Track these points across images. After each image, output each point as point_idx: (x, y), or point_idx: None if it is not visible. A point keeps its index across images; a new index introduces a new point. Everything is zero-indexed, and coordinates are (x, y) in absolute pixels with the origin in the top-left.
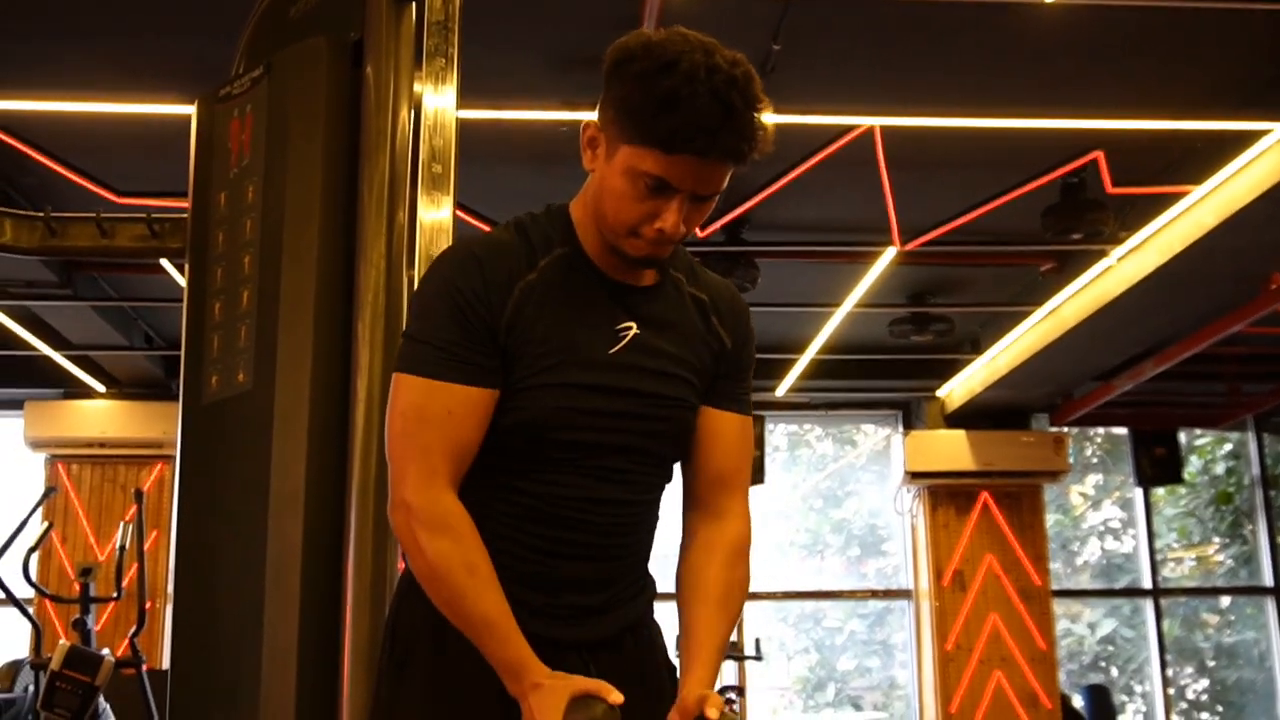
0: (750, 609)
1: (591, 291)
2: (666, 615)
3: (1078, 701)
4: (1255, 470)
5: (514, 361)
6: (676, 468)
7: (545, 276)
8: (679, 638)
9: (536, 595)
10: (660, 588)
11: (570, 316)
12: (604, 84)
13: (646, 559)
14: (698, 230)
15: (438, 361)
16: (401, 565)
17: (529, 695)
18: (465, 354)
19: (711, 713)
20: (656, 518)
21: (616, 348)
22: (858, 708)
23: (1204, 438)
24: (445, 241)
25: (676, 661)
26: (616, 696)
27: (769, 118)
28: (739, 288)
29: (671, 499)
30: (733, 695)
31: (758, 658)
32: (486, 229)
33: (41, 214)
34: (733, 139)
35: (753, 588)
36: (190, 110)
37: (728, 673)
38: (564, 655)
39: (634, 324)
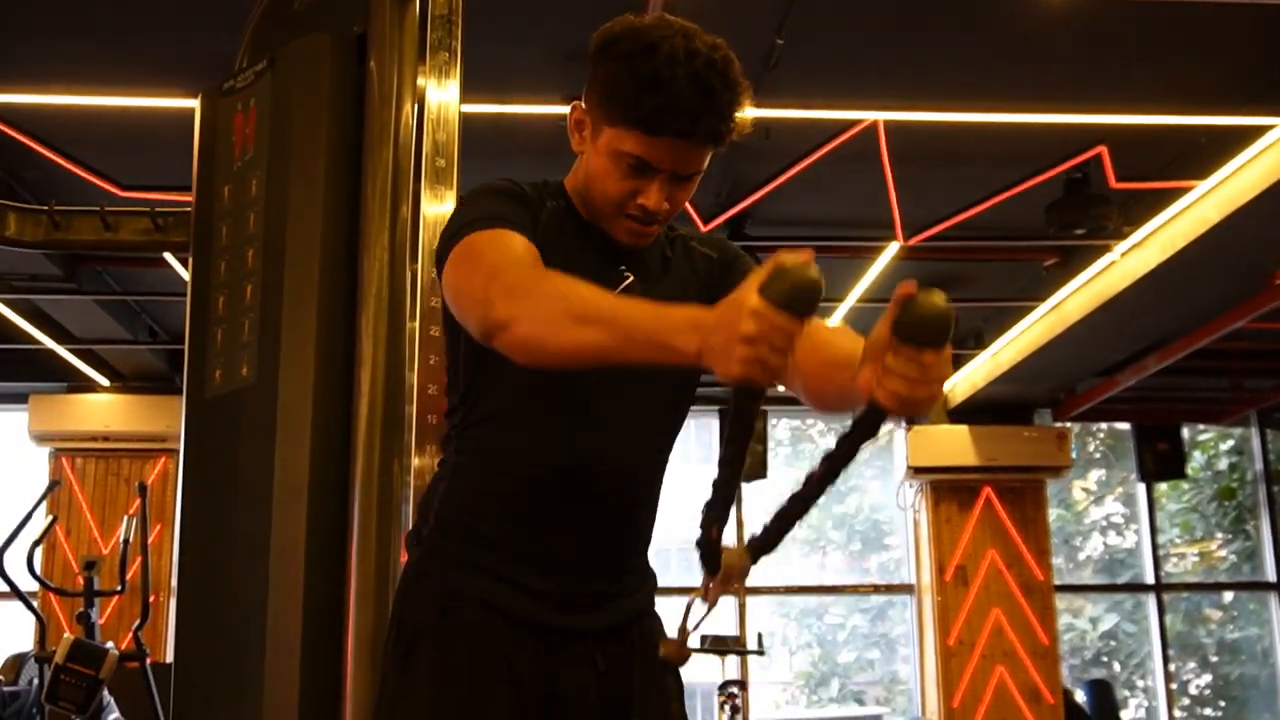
0: (752, 604)
1: (587, 239)
2: (662, 609)
3: (1080, 696)
4: (1258, 466)
5: None
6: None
7: (546, 223)
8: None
9: (542, 578)
10: (661, 581)
11: (571, 259)
12: (590, 67)
13: (648, 544)
14: (700, 225)
15: (493, 217)
16: (404, 558)
17: (708, 320)
18: (516, 219)
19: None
20: (660, 491)
21: (618, 289)
22: (860, 702)
23: (1207, 433)
24: None
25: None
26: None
27: (748, 105)
28: None
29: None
30: (735, 689)
31: (760, 652)
32: None
33: (45, 208)
34: (712, 121)
35: (755, 582)
36: (194, 104)
37: (730, 668)
38: (571, 643)
39: (630, 274)
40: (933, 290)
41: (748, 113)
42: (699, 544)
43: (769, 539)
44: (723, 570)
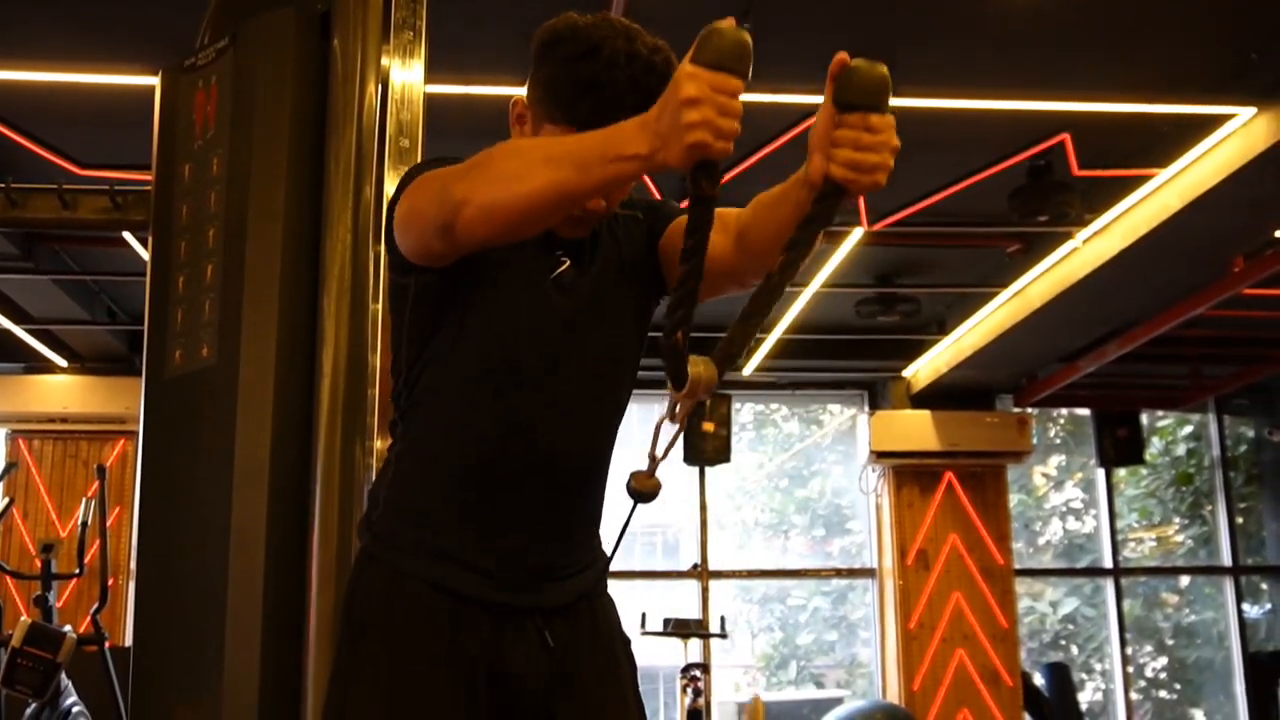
0: (715, 587)
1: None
2: (625, 592)
3: (1039, 679)
4: (1215, 452)
5: (460, 278)
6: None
7: None
8: (761, 208)
9: (491, 555)
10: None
11: (513, 253)
12: (532, 63)
13: (599, 522)
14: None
15: (433, 165)
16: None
17: (652, 113)
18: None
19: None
20: (607, 467)
21: (557, 272)
22: (820, 685)
23: (1166, 419)
24: None
25: (635, 636)
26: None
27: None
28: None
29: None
30: (697, 672)
31: (722, 635)
32: None
33: (2, 185)
34: (649, 103)
35: (717, 566)
36: (154, 81)
37: (692, 651)
38: (521, 621)
39: (566, 259)
40: (869, 60)
41: None
42: (663, 352)
43: (733, 345)
44: (689, 383)
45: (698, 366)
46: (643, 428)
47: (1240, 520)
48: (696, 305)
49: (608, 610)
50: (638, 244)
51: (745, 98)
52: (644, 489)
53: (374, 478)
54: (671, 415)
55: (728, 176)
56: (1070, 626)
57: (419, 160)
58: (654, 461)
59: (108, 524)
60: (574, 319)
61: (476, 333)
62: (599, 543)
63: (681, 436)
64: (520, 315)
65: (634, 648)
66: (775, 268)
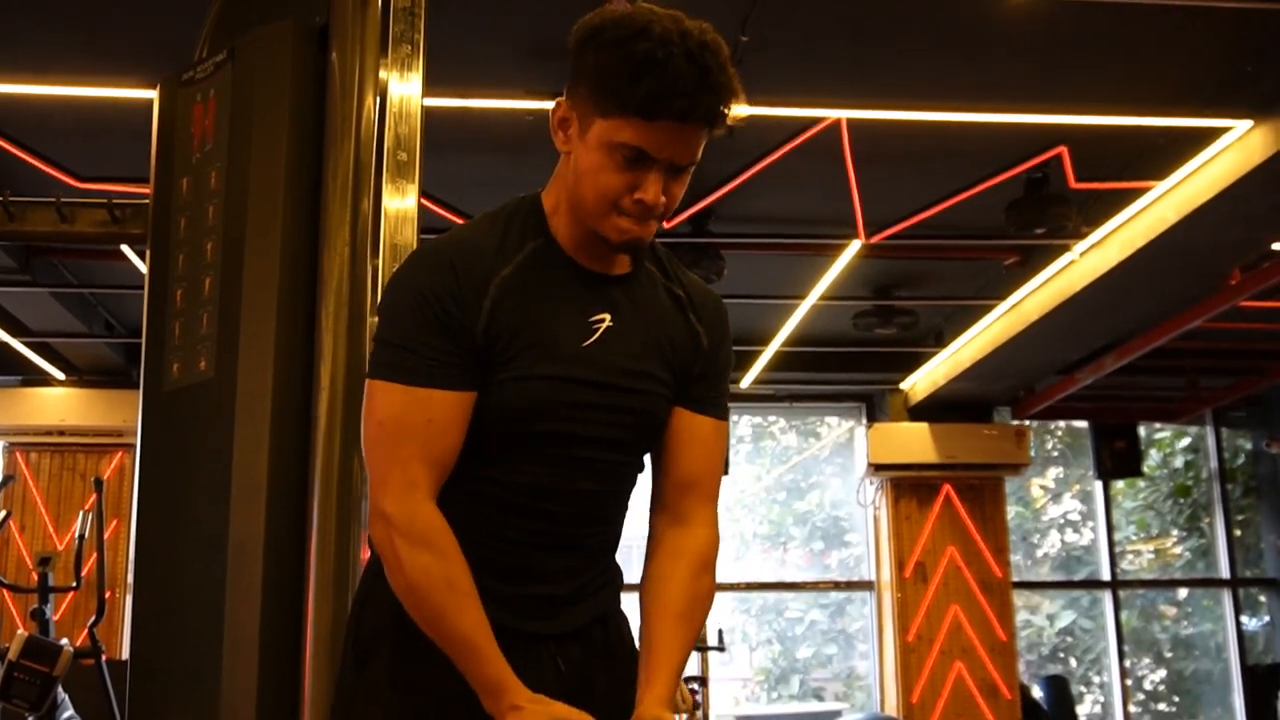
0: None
1: (565, 283)
2: (633, 605)
3: (1037, 692)
4: (1213, 464)
5: (491, 359)
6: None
7: (520, 271)
8: (640, 645)
9: (504, 585)
10: (628, 578)
11: (544, 309)
12: (573, 60)
13: (614, 549)
14: (664, 221)
15: (415, 367)
16: (365, 555)
17: (506, 716)
18: (443, 357)
19: None
20: (626, 508)
21: (590, 340)
22: (819, 698)
23: (1163, 431)
24: (410, 230)
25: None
26: None
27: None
28: (704, 279)
29: (641, 493)
30: (695, 686)
31: (720, 649)
32: (452, 218)
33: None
34: (711, 100)
35: (716, 579)
36: (153, 94)
37: (691, 664)
38: (533, 648)
39: (607, 315)
40: None
41: (739, 99)
42: None
43: None
44: None
45: None
46: None
47: (1238, 532)
48: None
49: (620, 628)
50: (679, 345)
51: (744, 110)
52: None
53: None
54: None
55: (729, 188)
56: (1068, 639)
57: (417, 175)
58: None
59: (105, 537)
60: (606, 379)
61: (503, 392)
62: (614, 564)
63: None
64: (550, 379)
65: None
66: None
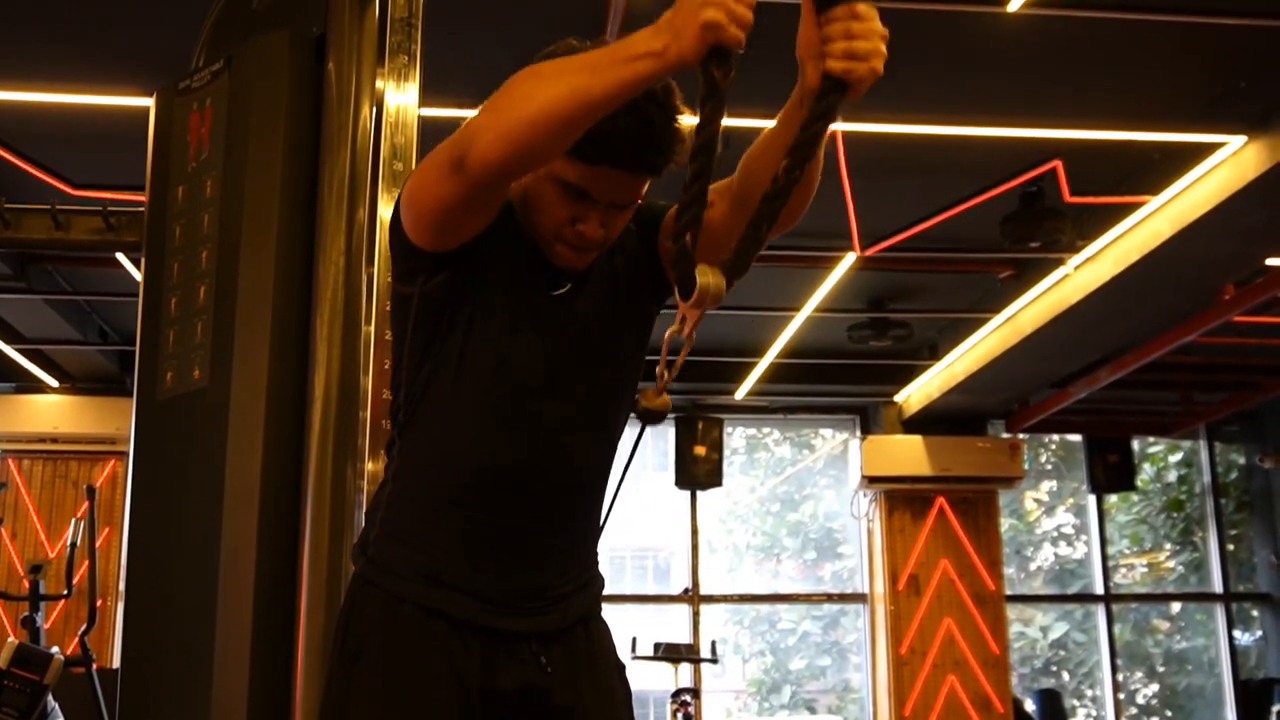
0: (706, 611)
1: (534, 261)
2: (615, 616)
3: (1030, 705)
4: (1206, 478)
5: (464, 290)
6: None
7: (492, 234)
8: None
9: (486, 577)
10: (613, 589)
11: (515, 270)
12: None
13: (595, 541)
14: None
15: None
16: (354, 567)
17: (665, 16)
18: None
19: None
20: (603, 495)
21: (559, 292)
22: (812, 710)
23: (1157, 445)
24: None
25: (626, 660)
26: None
27: (686, 123)
28: None
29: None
30: (688, 697)
31: (713, 660)
32: None
33: None
34: (650, 153)
35: (708, 590)
36: (149, 103)
37: (683, 676)
38: (517, 646)
39: (571, 285)
40: None
41: (688, 130)
42: (672, 257)
43: (742, 254)
44: (697, 292)
45: (706, 275)
46: (655, 445)
47: (1231, 547)
48: (705, 208)
49: (603, 635)
50: (632, 252)
51: (740, 122)
52: (654, 408)
53: (368, 498)
54: (680, 328)
55: None
56: (1061, 652)
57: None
58: (662, 378)
59: (97, 545)
60: (575, 341)
61: (476, 354)
62: (596, 562)
63: (687, 351)
64: (520, 339)
65: (627, 673)
66: (780, 172)
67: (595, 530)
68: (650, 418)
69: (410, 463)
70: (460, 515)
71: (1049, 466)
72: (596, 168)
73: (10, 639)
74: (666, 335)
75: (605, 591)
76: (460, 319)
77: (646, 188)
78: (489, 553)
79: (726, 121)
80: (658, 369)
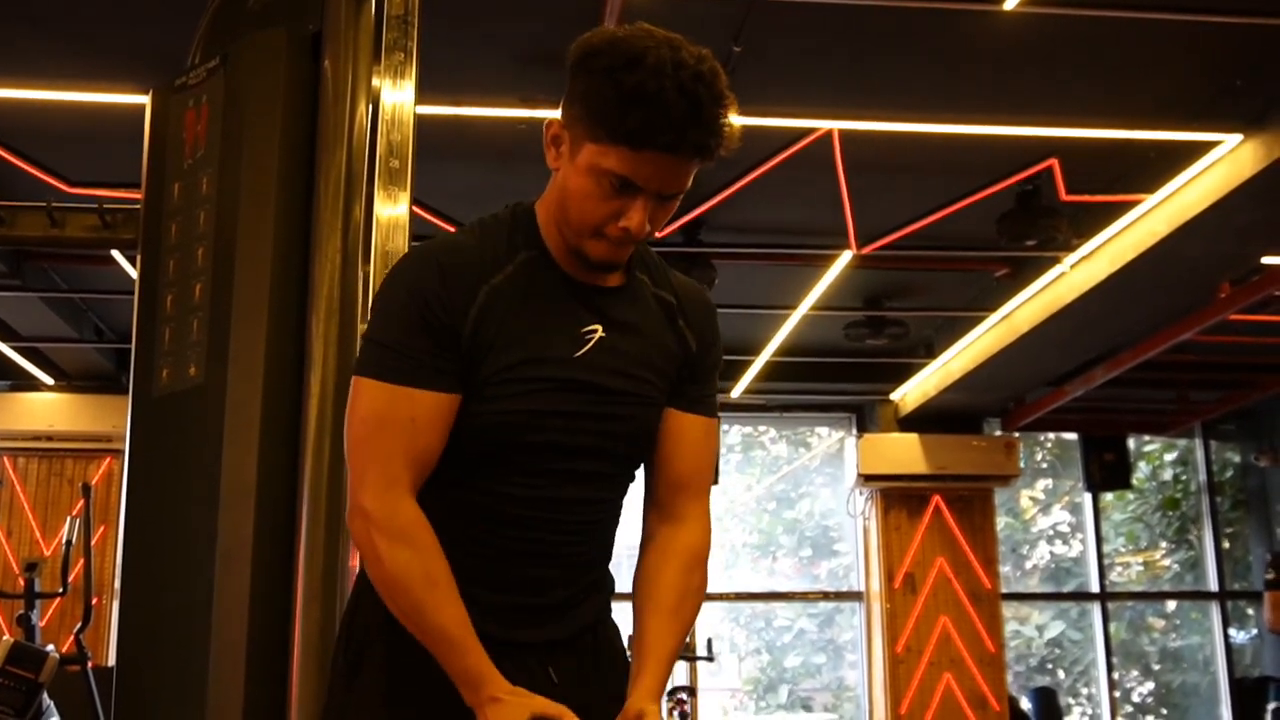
0: (702, 609)
1: (557, 294)
2: (626, 614)
3: (1025, 704)
4: (1202, 477)
5: (478, 365)
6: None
7: (511, 280)
8: (631, 641)
9: (492, 595)
10: (619, 587)
11: (535, 320)
12: (568, 80)
13: (607, 559)
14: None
15: (400, 367)
16: (354, 564)
17: (486, 707)
18: (428, 359)
19: None
20: (619, 517)
21: (582, 350)
22: (808, 709)
23: (1152, 444)
24: (402, 237)
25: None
26: None
27: (735, 119)
28: None
29: (634, 498)
30: (684, 695)
31: (709, 658)
32: (444, 225)
33: None
34: (700, 134)
35: (708, 575)
36: (145, 100)
37: (679, 673)
38: (522, 656)
39: (599, 326)
40: None
41: (735, 122)
42: None
43: None
44: None
45: None
46: None
47: (1227, 545)
48: None
49: (611, 638)
50: (668, 334)
51: (736, 120)
52: None
53: None
54: None
55: (720, 198)
56: (1057, 650)
57: (408, 183)
58: None
59: (92, 543)
60: (598, 391)
61: (492, 406)
62: (606, 572)
63: None
64: (540, 392)
65: None
66: None
67: (606, 553)
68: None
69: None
70: (468, 538)
71: (1045, 465)
72: (643, 153)
73: (5, 637)
74: None
75: None
76: (476, 376)
77: (692, 175)
78: (497, 571)
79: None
80: None
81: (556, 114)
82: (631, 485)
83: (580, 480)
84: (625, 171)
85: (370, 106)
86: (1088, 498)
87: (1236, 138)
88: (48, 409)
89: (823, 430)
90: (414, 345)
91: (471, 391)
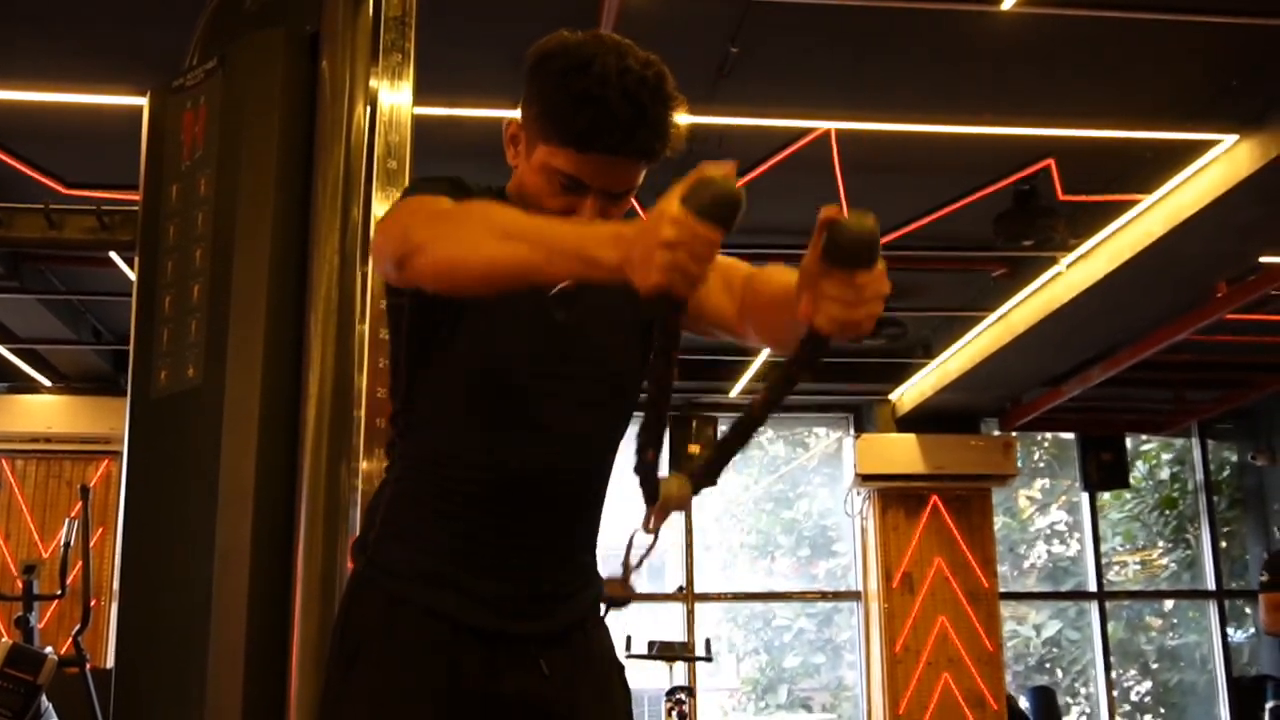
0: (700, 609)
1: None
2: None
3: (1023, 703)
4: (1199, 476)
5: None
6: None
7: None
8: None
9: (484, 581)
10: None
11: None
12: (525, 81)
13: (594, 545)
14: None
15: (424, 188)
16: (350, 563)
17: (624, 232)
18: (454, 194)
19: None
20: (603, 499)
21: (559, 286)
22: (807, 708)
23: (1150, 443)
24: None
25: (625, 661)
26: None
27: (682, 119)
28: None
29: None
30: (683, 695)
31: (708, 659)
32: None
33: None
34: (644, 137)
35: (703, 588)
36: (143, 101)
37: (678, 674)
38: (517, 650)
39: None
40: (858, 212)
41: (685, 122)
42: (636, 470)
43: (711, 468)
44: (661, 499)
45: (671, 485)
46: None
47: (1224, 544)
48: (666, 424)
49: (602, 637)
50: (637, 319)
51: (732, 120)
52: (617, 596)
53: (363, 497)
54: (645, 525)
55: None
56: (1054, 650)
57: (408, 181)
58: (627, 571)
59: (90, 545)
60: (575, 339)
61: (474, 354)
62: (595, 564)
63: (655, 548)
64: (519, 337)
65: (625, 674)
66: (757, 405)
67: (595, 533)
68: (614, 605)
69: (411, 465)
70: (461, 517)
71: (1042, 464)
72: (587, 154)
73: (4, 639)
74: (630, 534)
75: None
76: (454, 323)
77: (641, 176)
78: (490, 555)
79: (721, 121)
80: (622, 560)
81: (517, 114)
82: (614, 469)
83: (565, 444)
84: (573, 171)
85: (368, 107)
86: (1085, 497)
87: (1233, 137)
88: (46, 411)
89: (821, 430)
90: (442, 187)
91: (455, 330)
